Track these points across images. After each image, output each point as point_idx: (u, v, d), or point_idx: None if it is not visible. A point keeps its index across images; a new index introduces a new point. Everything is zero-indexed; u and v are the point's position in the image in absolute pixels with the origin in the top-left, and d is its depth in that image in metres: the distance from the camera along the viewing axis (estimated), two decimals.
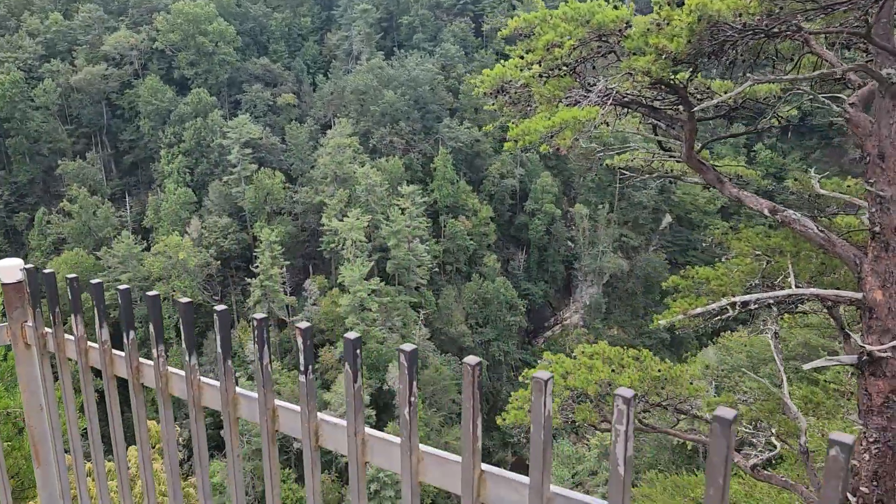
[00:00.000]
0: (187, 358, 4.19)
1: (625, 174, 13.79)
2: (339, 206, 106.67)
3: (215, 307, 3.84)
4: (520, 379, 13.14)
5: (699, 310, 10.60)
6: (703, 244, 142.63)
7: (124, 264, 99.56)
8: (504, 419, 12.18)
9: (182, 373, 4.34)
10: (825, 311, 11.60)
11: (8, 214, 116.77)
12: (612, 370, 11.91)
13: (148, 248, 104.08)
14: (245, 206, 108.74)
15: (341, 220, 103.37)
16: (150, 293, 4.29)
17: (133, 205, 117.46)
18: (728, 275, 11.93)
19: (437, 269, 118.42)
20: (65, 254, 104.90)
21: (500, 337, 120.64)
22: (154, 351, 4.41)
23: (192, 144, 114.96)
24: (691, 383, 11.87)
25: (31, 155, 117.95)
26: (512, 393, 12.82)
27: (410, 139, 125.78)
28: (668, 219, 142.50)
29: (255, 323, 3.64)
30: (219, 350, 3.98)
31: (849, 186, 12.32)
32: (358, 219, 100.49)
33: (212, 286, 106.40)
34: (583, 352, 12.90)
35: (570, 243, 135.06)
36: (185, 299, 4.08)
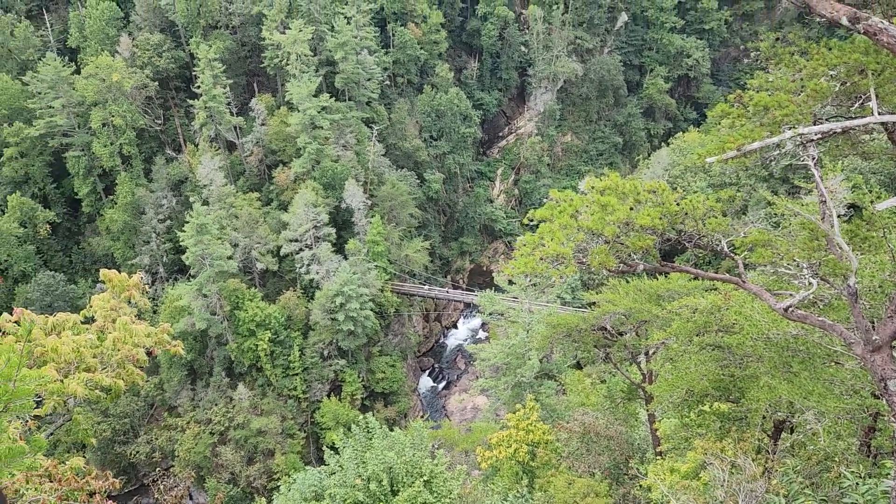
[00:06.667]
0: None
1: None
2: (280, 17, 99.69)
3: None
4: (524, 222, 12.01)
5: (756, 144, 8.92)
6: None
7: (55, 89, 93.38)
8: (513, 268, 10.92)
9: None
10: (884, 135, 10.18)
11: None
12: (630, 208, 10.74)
13: (78, 71, 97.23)
14: (177, 21, 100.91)
15: (283, 33, 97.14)
16: None
17: (53, 22, 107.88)
18: (792, 101, 9.72)
19: (387, 82, 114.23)
20: None
21: (455, 149, 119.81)
22: None
23: None
24: (715, 216, 10.77)
25: None
26: (517, 239, 11.52)
27: None
28: (623, 17, 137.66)
29: None
30: None
31: None
32: (301, 30, 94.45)
33: (153, 109, 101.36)
34: (592, 187, 11.55)
35: (523, 48, 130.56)
36: None
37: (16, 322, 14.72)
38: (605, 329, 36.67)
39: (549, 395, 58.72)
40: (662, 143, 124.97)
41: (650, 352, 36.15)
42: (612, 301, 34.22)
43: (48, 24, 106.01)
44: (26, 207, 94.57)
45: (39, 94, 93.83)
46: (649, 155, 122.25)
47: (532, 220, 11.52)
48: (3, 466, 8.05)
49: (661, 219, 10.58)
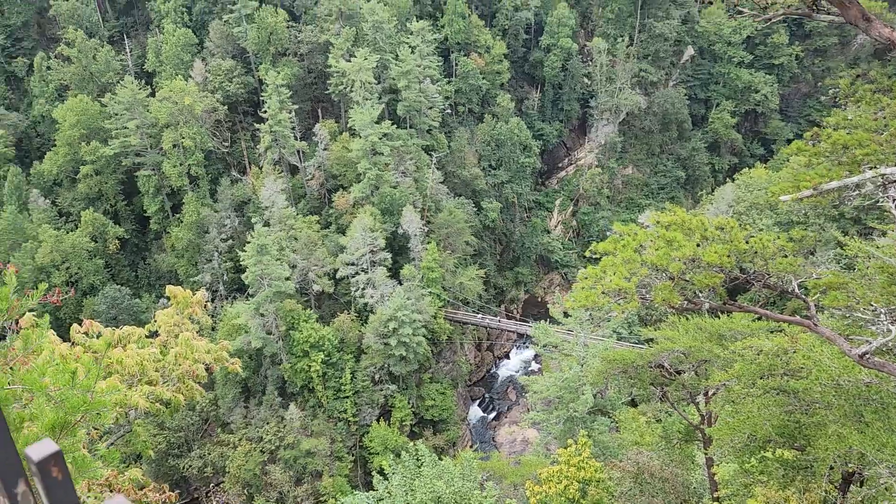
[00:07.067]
0: None
1: (740, 12, 11.23)
2: (346, 46, 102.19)
3: None
4: (586, 254, 11.83)
5: (834, 184, 8.55)
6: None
7: (130, 111, 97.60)
8: (574, 300, 10.77)
9: None
10: None
11: (6, 60, 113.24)
12: (697, 244, 10.29)
13: (153, 94, 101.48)
14: (248, 48, 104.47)
15: (349, 61, 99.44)
16: None
17: (133, 47, 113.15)
18: (874, 140, 9.10)
19: (448, 111, 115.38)
20: (69, 101, 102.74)
21: (513, 179, 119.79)
22: None
23: None
24: (785, 256, 10.38)
25: None
26: (579, 271, 11.28)
27: None
28: (690, 51, 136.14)
29: None
30: None
31: None
32: (366, 59, 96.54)
33: (221, 132, 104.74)
34: (657, 221, 11.13)
35: (586, 80, 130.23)
36: None
37: (84, 333, 15.20)
38: (663, 367, 35.71)
39: (603, 431, 57.39)
40: (727, 179, 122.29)
41: (710, 392, 35.02)
42: (670, 338, 33.35)
43: (128, 49, 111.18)
44: (98, 223, 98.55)
45: (116, 115, 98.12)
46: (713, 190, 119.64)
47: (594, 253, 11.25)
48: (77, 476, 8.26)
49: (728, 256, 10.19)
